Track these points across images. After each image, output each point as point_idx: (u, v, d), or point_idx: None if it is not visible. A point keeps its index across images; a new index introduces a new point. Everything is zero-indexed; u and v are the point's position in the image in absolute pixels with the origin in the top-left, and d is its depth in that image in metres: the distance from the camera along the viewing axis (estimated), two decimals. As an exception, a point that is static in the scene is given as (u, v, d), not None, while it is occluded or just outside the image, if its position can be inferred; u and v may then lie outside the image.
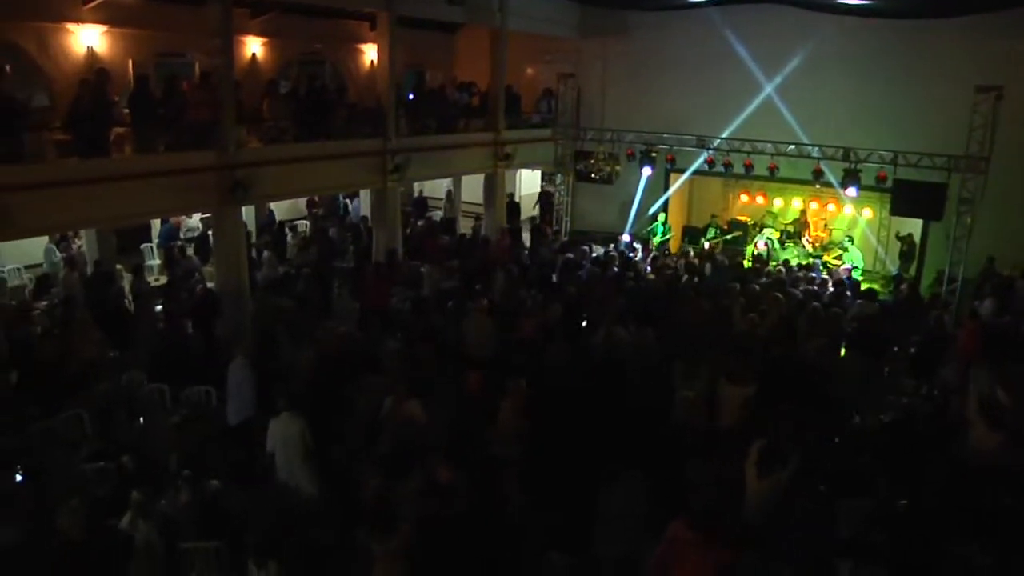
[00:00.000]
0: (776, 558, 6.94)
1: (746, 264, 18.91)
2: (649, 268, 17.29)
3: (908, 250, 18.90)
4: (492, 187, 20.36)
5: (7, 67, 13.29)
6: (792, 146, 18.44)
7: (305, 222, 21.99)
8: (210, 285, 14.15)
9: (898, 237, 19.26)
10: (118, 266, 15.73)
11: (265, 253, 16.13)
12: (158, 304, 13.42)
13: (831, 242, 20.35)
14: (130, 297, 13.77)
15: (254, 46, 19.28)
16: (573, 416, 9.05)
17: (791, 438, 7.87)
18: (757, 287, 14.54)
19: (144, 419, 10.13)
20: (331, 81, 19.11)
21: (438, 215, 24.00)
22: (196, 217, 19.22)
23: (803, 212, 21.31)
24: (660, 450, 8.41)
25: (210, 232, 15.76)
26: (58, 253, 16.40)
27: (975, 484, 7.88)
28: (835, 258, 19.38)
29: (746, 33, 19.39)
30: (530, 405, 8.82)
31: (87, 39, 15.86)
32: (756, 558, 6.74)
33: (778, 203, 21.76)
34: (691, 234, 21.63)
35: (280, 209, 21.19)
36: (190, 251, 17.34)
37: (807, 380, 10.22)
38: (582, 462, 7.86)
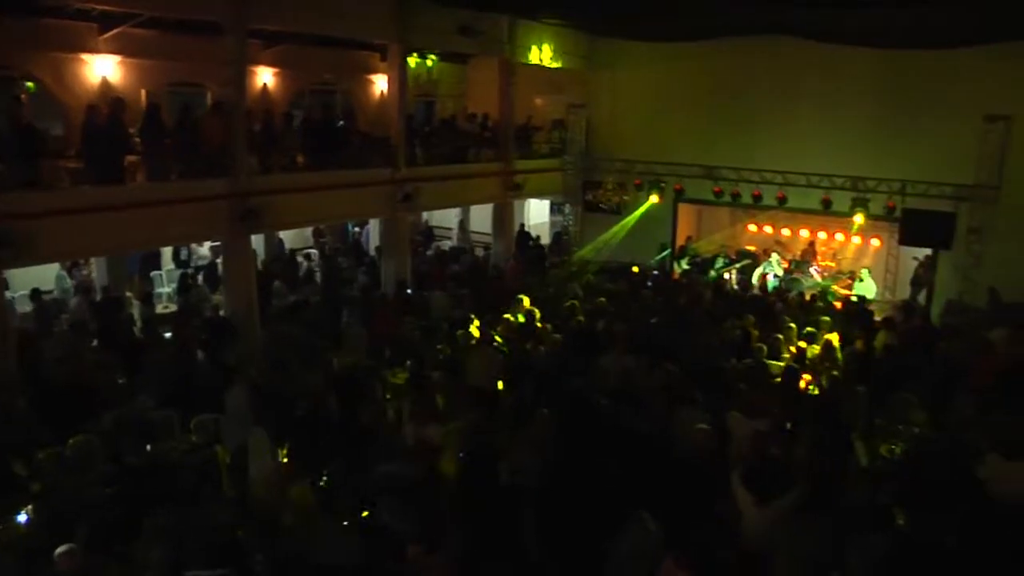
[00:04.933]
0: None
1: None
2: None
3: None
4: (501, 217, 20.42)
5: (23, 96, 13.52)
6: (801, 176, 18.50)
7: (315, 251, 22.08)
8: (221, 313, 14.17)
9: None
10: (128, 293, 15.79)
11: (276, 282, 16.16)
12: (168, 331, 13.46)
13: (840, 272, 20.37)
14: (139, 324, 13.78)
15: (265, 76, 19.48)
16: (583, 446, 9.01)
17: (797, 467, 7.78)
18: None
19: (153, 446, 10.12)
20: (342, 111, 19.25)
21: (446, 244, 24.05)
22: (207, 245, 19.31)
23: (811, 242, 21.37)
24: (669, 484, 8.36)
25: (219, 260, 15.81)
26: (69, 279, 16.44)
27: (998, 520, 7.78)
28: (844, 288, 19.40)
29: (755, 63, 19.49)
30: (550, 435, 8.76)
31: (101, 69, 16.07)
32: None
33: (786, 232, 21.83)
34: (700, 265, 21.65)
35: (288, 238, 21.27)
36: (200, 279, 17.39)
37: (818, 412, 10.17)
38: (593, 494, 7.80)
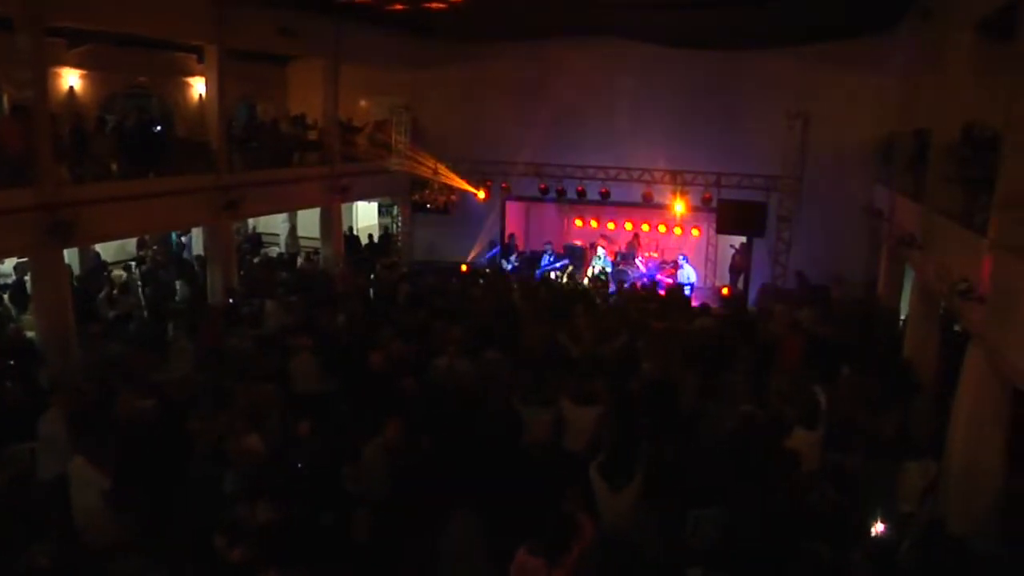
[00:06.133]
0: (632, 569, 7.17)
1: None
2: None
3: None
4: (329, 221, 20.06)
5: None
6: (622, 171, 19.21)
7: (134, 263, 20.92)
8: (30, 334, 13.22)
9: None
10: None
11: (100, 296, 15.25)
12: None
13: (664, 261, 21.26)
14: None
15: (72, 78, 18.34)
16: (427, 449, 9.03)
17: (639, 452, 8.11)
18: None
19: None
20: (158, 115, 18.37)
21: (275, 251, 23.41)
22: (8, 262, 17.90)
23: (636, 234, 22.19)
24: (509, 476, 8.51)
25: (28, 278, 14.74)
26: None
27: (808, 484, 8.39)
28: (669, 276, 20.27)
29: (577, 62, 20.06)
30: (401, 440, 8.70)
31: None
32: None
33: (611, 226, 22.58)
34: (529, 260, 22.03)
35: (110, 249, 20.07)
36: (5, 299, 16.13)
37: (653, 397, 10.57)
38: (432, 495, 7.86)
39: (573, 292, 17.70)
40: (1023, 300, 6.96)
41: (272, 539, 6.87)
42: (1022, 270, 6.98)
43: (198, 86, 21.02)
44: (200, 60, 18.93)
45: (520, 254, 22.06)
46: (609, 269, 20.85)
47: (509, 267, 21.19)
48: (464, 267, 20.55)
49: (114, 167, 14.43)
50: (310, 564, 6.92)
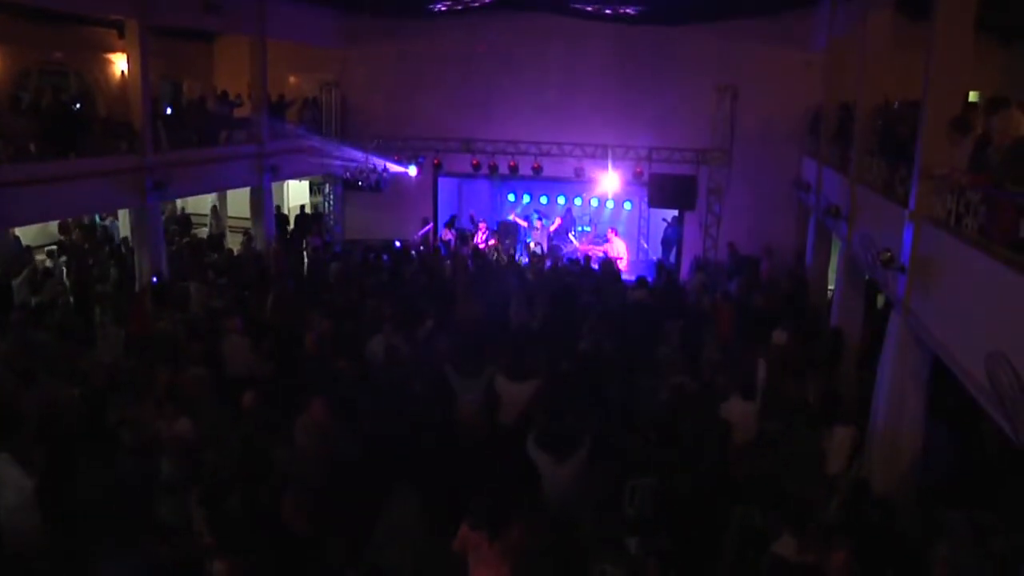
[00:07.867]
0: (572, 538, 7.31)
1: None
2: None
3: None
4: (259, 200, 19.72)
5: None
6: (554, 145, 19.28)
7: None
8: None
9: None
10: None
11: (14, 281, 14.80)
12: None
13: (597, 236, 21.46)
14: None
15: (-22, 54, 17.65)
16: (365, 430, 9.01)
17: (578, 424, 8.23)
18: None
19: None
20: (78, 93, 17.75)
21: (204, 232, 22.94)
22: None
23: (568, 208, 22.35)
24: (445, 453, 8.57)
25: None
26: None
27: (741, 454, 8.63)
28: (601, 251, 20.48)
29: (507, 38, 20.04)
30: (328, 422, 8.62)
31: None
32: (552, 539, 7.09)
33: (544, 200, 22.70)
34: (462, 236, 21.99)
35: (27, 234, 19.41)
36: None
37: (587, 371, 10.70)
38: (370, 475, 7.86)
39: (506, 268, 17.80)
40: (941, 269, 7.21)
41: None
42: (940, 240, 7.22)
43: (120, 63, 20.39)
44: (121, 36, 18.33)
45: (457, 230, 22.01)
46: (534, 243, 20.97)
47: (450, 240, 21.16)
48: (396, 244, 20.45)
49: (32, 148, 13.93)
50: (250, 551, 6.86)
